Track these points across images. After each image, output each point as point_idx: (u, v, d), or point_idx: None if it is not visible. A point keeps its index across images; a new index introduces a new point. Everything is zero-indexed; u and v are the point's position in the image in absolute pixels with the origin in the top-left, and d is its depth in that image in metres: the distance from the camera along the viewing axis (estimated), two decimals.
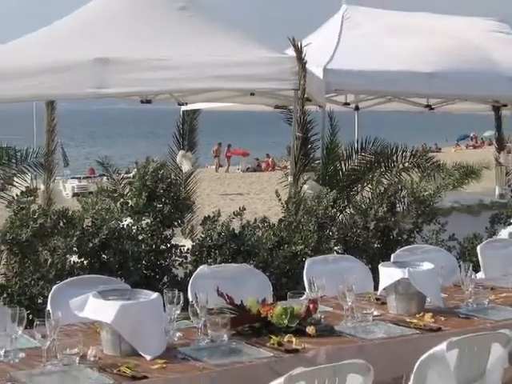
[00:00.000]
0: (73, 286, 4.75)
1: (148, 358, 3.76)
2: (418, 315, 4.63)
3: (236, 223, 6.51)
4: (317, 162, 8.28)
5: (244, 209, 6.64)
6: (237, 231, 6.36)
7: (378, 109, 12.21)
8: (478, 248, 6.42)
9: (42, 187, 8.00)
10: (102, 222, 5.93)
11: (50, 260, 5.71)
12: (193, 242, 6.40)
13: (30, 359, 3.68)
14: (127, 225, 6.05)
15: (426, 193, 7.38)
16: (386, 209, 7.10)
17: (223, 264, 5.79)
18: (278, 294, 5.18)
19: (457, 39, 9.81)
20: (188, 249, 6.28)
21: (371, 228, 7.01)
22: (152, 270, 6.06)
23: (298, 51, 7.13)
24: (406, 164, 8.75)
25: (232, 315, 4.17)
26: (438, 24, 10.44)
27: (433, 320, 4.55)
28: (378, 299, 4.97)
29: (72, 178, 24.41)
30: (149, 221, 6.12)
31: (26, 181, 7.31)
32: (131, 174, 6.49)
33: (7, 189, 7.06)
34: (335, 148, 8.63)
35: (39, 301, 5.51)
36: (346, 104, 11.42)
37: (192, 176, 10.29)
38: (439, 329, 4.41)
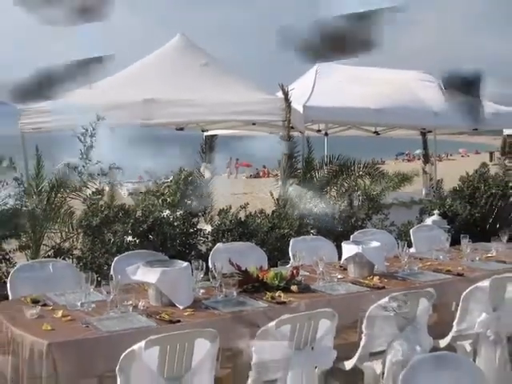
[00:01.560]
0: (128, 257, 4.74)
1: (181, 307, 3.76)
2: (368, 278, 4.63)
3: (242, 214, 6.50)
4: (298, 171, 8.24)
5: (247, 204, 6.64)
6: (242, 219, 6.36)
7: (340, 134, 12.18)
8: (411, 231, 6.41)
9: (107, 189, 7.96)
10: (149, 213, 5.92)
11: (112, 239, 5.71)
12: (212, 226, 6.39)
13: (98, 308, 3.68)
14: (166, 215, 6.04)
15: (375, 192, 7.37)
16: (346, 204, 7.10)
17: (233, 242, 5.78)
18: (272, 263, 5.17)
19: (396, 85, 9.78)
20: (209, 232, 6.27)
21: (336, 217, 7.00)
22: (183, 246, 6.05)
23: (285, 94, 7.12)
24: (361, 172, 8.69)
25: (239, 278, 4.18)
26: (384, 74, 10.41)
27: (379, 281, 4.54)
28: (341, 266, 4.98)
29: (127, 182, 24.26)
30: (181, 212, 6.11)
31: (95, 184, 7.26)
32: (169, 180, 6.45)
33: (83, 190, 7.02)
34: (311, 161, 8.57)
35: (105, 268, 5.50)
36: (319, 131, 11.43)
37: (211, 181, 10.26)
38: (383, 287, 4.41)
